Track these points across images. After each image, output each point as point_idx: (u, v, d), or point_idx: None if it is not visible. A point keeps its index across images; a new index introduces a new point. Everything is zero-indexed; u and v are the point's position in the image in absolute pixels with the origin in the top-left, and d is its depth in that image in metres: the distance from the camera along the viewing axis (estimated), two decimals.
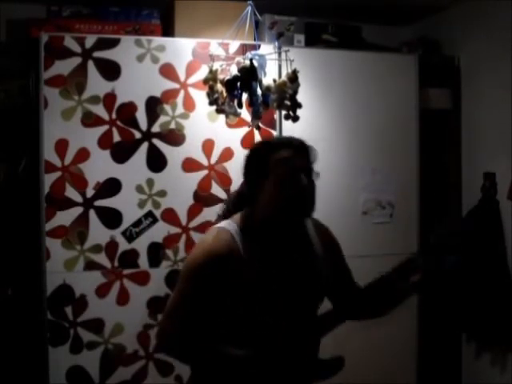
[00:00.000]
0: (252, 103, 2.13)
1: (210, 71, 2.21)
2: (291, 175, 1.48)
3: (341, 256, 1.71)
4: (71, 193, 2.49)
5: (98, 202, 2.52)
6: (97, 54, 2.50)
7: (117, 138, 2.53)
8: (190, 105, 2.61)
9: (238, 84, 2.12)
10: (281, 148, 1.52)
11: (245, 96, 2.16)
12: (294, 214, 1.50)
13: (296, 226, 1.56)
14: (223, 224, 1.55)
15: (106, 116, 2.52)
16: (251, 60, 2.08)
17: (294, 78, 2.12)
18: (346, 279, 1.70)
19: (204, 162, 2.64)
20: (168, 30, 2.74)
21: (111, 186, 2.53)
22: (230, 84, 2.13)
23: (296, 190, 1.47)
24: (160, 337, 1.55)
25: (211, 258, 1.47)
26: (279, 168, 1.49)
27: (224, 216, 1.64)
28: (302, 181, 1.47)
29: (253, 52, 2.20)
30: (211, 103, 2.22)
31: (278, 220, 1.51)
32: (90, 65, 2.50)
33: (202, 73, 2.43)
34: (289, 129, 2.65)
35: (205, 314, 1.50)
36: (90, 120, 2.50)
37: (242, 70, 2.10)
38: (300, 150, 1.53)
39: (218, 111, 2.23)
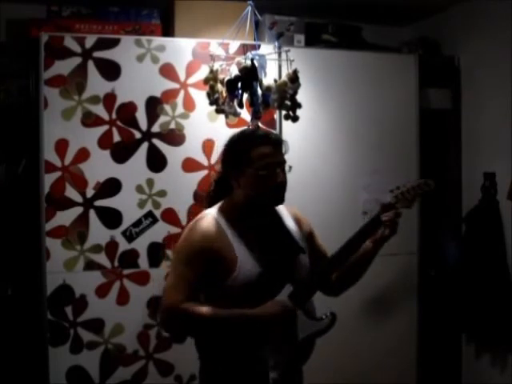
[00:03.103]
0: (252, 103, 2.13)
1: (211, 71, 2.21)
2: (269, 170, 1.65)
3: (315, 236, 1.89)
4: (71, 193, 2.49)
5: (98, 202, 2.52)
6: (97, 54, 2.50)
7: (117, 138, 2.53)
8: (190, 105, 2.61)
9: (239, 84, 2.12)
10: (261, 143, 1.67)
11: (245, 96, 2.16)
12: (268, 204, 1.71)
13: (270, 212, 1.75)
14: (209, 211, 1.73)
15: (106, 116, 2.52)
16: (252, 60, 2.08)
17: (294, 78, 2.12)
18: (321, 253, 1.85)
19: (204, 162, 2.64)
20: (168, 30, 2.74)
21: (111, 186, 2.53)
22: (230, 84, 2.13)
23: (272, 184, 1.65)
24: (166, 309, 1.63)
25: (207, 241, 1.63)
26: (259, 162, 1.64)
27: (208, 204, 1.79)
28: (278, 175, 1.66)
29: (253, 52, 2.20)
30: (212, 103, 2.22)
31: (254, 207, 1.69)
32: (90, 65, 2.50)
33: (202, 73, 2.44)
34: (289, 129, 2.66)
35: (199, 288, 1.66)
36: (90, 120, 2.50)
37: (242, 70, 2.10)
38: (277, 146, 1.69)
39: (218, 111, 2.24)
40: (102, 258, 2.53)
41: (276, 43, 2.32)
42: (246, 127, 1.91)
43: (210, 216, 1.70)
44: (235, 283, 1.63)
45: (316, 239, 1.88)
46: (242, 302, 1.61)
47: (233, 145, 1.73)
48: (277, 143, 1.70)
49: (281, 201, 1.72)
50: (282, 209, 1.80)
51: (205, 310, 1.60)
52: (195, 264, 1.63)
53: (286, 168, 1.71)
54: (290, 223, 1.80)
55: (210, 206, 1.77)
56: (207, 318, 1.60)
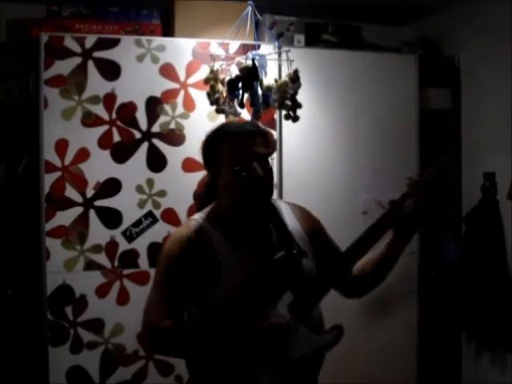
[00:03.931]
0: (253, 103, 2.13)
1: (211, 71, 2.21)
2: (245, 164, 1.47)
3: (325, 234, 1.70)
4: (71, 193, 2.49)
5: (98, 202, 2.52)
6: (97, 54, 2.50)
7: (117, 138, 2.53)
8: (190, 105, 2.61)
9: (240, 84, 2.12)
10: (234, 135, 1.52)
11: (245, 96, 2.16)
12: (250, 204, 1.51)
13: (256, 213, 1.55)
14: (195, 216, 1.61)
15: (106, 116, 2.52)
16: (253, 60, 2.08)
17: (295, 78, 2.12)
18: (333, 253, 1.66)
19: None
20: (168, 30, 2.74)
21: (111, 186, 2.53)
22: (231, 84, 2.13)
23: (250, 180, 1.47)
24: (147, 331, 1.51)
25: (182, 244, 1.51)
26: (232, 157, 1.48)
27: (198, 209, 1.68)
28: (255, 169, 1.47)
29: (253, 52, 2.20)
30: (212, 103, 2.22)
31: (236, 209, 1.54)
32: (90, 65, 2.50)
33: (202, 73, 2.44)
34: (289, 129, 2.67)
35: (183, 302, 1.53)
36: (90, 120, 2.50)
37: (243, 69, 2.11)
38: (254, 137, 1.51)
39: (218, 111, 2.24)
40: (102, 258, 2.53)
41: (276, 43, 2.33)
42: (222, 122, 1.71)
43: (192, 221, 1.57)
44: (222, 292, 1.47)
45: (326, 238, 1.69)
46: (234, 313, 1.46)
47: (206, 142, 1.58)
48: (254, 134, 1.51)
49: (264, 200, 1.54)
50: (282, 207, 1.65)
51: (185, 328, 1.49)
52: (174, 274, 1.51)
53: (270, 161, 1.53)
54: (290, 222, 1.62)
55: (200, 210, 1.65)
56: (187, 337, 1.47)
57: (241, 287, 1.47)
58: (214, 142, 1.55)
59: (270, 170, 1.53)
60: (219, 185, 1.54)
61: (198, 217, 1.59)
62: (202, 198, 1.73)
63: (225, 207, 1.57)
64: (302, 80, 2.16)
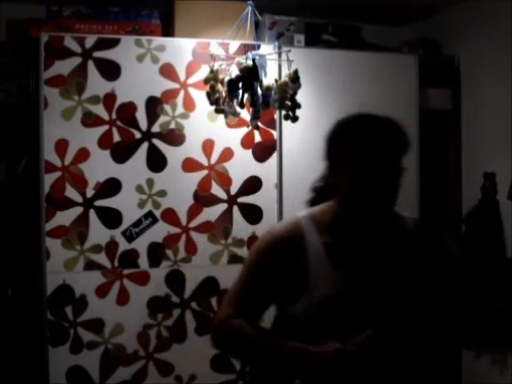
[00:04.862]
0: (253, 103, 2.13)
1: (211, 71, 2.21)
2: (376, 158, 1.29)
3: (447, 270, 1.41)
4: (71, 193, 2.49)
5: (98, 202, 2.52)
6: (97, 54, 2.50)
7: (117, 138, 2.53)
8: (190, 105, 2.61)
9: (240, 84, 2.12)
10: (373, 125, 1.34)
11: (245, 96, 2.16)
12: (364, 204, 1.31)
13: (379, 221, 1.35)
14: (298, 213, 1.42)
15: (106, 116, 2.52)
16: (254, 60, 2.08)
17: (295, 78, 2.12)
18: (449, 301, 1.41)
19: (204, 162, 2.64)
20: (168, 30, 2.74)
21: (111, 186, 2.53)
22: (231, 84, 2.13)
23: (376, 176, 1.29)
24: (213, 325, 1.41)
25: (274, 241, 1.36)
26: (364, 149, 1.30)
27: (311, 204, 1.49)
28: (384, 170, 1.29)
29: (253, 52, 2.20)
30: (212, 103, 2.22)
31: (350, 210, 1.33)
32: (90, 65, 2.50)
33: (202, 73, 2.44)
34: (289, 129, 2.67)
35: (262, 303, 1.38)
36: (90, 120, 2.50)
37: (244, 69, 2.10)
38: (394, 132, 1.36)
39: (218, 111, 2.23)
40: (102, 258, 2.53)
41: (276, 43, 2.33)
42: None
43: (292, 218, 1.40)
44: (306, 305, 1.29)
45: (452, 277, 1.43)
46: (314, 332, 1.27)
47: (338, 128, 1.42)
48: (395, 129, 1.36)
49: (381, 206, 1.32)
50: (409, 223, 1.43)
51: (248, 331, 1.31)
52: (257, 271, 1.36)
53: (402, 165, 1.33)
54: (414, 242, 1.37)
55: (311, 205, 1.48)
56: (247, 341, 1.31)
57: (323, 308, 1.28)
58: (348, 129, 1.38)
59: (401, 175, 1.35)
60: (339, 181, 1.35)
61: (303, 214, 1.41)
62: (315, 193, 1.52)
63: (336, 206, 1.37)
64: (302, 80, 2.16)
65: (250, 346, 1.32)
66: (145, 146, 2.57)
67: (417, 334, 1.31)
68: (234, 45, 2.43)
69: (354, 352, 1.19)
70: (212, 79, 2.20)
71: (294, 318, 1.32)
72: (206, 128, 2.63)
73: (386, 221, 1.38)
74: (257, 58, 2.11)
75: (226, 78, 2.18)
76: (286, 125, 2.52)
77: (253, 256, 1.41)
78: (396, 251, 1.35)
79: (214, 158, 2.64)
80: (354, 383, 1.23)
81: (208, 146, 2.63)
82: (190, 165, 2.62)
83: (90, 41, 2.50)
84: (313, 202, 1.49)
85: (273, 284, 1.35)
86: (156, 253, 2.58)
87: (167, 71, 2.58)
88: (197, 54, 2.60)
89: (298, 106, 2.16)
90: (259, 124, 2.37)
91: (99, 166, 2.52)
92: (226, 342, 1.38)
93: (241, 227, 2.67)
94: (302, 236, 1.34)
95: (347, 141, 1.35)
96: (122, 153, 2.54)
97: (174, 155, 2.60)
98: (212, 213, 2.64)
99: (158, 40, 2.60)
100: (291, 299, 1.32)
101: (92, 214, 2.51)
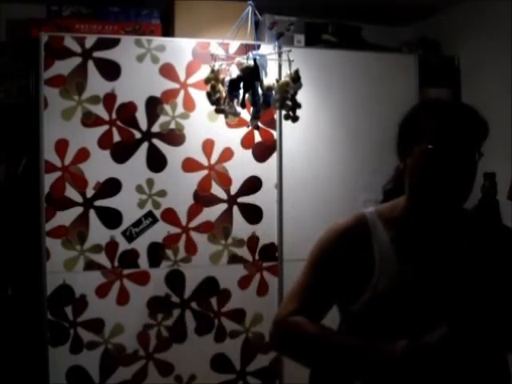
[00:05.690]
0: (254, 103, 2.13)
1: (212, 71, 2.21)
2: (443, 149, 1.19)
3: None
4: (71, 193, 2.49)
5: (98, 202, 2.52)
6: (97, 54, 2.50)
7: (117, 138, 2.53)
8: (190, 105, 2.61)
9: (241, 84, 2.12)
10: (443, 113, 1.25)
11: (246, 96, 2.16)
12: (435, 198, 1.24)
13: (439, 213, 1.27)
14: (364, 209, 1.36)
15: (106, 116, 2.52)
16: (255, 60, 2.08)
17: (296, 78, 2.12)
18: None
19: (204, 162, 2.64)
20: (168, 30, 2.74)
21: (111, 186, 2.53)
22: (232, 84, 2.13)
23: (441, 164, 1.19)
24: (273, 325, 1.30)
25: (339, 236, 1.30)
26: (428, 134, 1.21)
27: (383, 201, 1.44)
28: (453, 161, 1.19)
29: (254, 52, 2.20)
30: (213, 103, 2.22)
31: (417, 205, 1.28)
32: (90, 65, 2.50)
33: (202, 73, 2.44)
34: (289, 129, 2.67)
35: (326, 301, 1.30)
36: (90, 120, 2.50)
37: (245, 69, 2.10)
38: (468, 122, 1.25)
39: (218, 111, 2.23)
40: (102, 258, 2.53)
41: (276, 43, 2.33)
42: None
43: (359, 212, 1.34)
44: (370, 300, 1.23)
45: None
46: (378, 331, 1.20)
47: (407, 116, 1.34)
48: (469, 118, 1.25)
49: (453, 201, 1.25)
50: (476, 219, 1.37)
51: (311, 328, 1.23)
52: (322, 266, 1.30)
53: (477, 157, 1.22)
54: (482, 238, 1.31)
55: (383, 202, 1.43)
56: (309, 338, 1.22)
57: (388, 304, 1.21)
58: (418, 116, 1.31)
59: (473, 165, 1.23)
60: (405, 170, 1.29)
61: (370, 210, 1.35)
62: (385, 190, 1.48)
63: (405, 200, 1.31)
64: (302, 80, 2.16)
65: (313, 343, 1.23)
66: (145, 146, 2.57)
67: (486, 333, 1.23)
68: (234, 45, 2.44)
69: (426, 351, 1.09)
70: (213, 79, 2.20)
71: (358, 315, 1.26)
72: (206, 128, 2.63)
73: (455, 216, 1.31)
74: (258, 58, 2.11)
75: (227, 78, 2.19)
76: (286, 125, 2.53)
77: (317, 250, 1.33)
78: (464, 247, 1.28)
79: (214, 158, 2.64)
80: None
81: (208, 146, 2.63)
82: (189, 165, 2.62)
83: (90, 41, 2.50)
84: (384, 199, 1.45)
85: (338, 279, 1.28)
86: (156, 253, 2.58)
87: (167, 71, 2.58)
88: (197, 53, 2.60)
89: (299, 105, 2.16)
90: (259, 124, 2.37)
91: (99, 166, 2.52)
92: (287, 340, 1.28)
93: (241, 227, 2.67)
94: (368, 230, 1.29)
95: (421, 129, 1.25)
96: (121, 153, 2.54)
97: (174, 155, 2.60)
98: (212, 213, 2.64)
99: (158, 40, 2.60)
100: (355, 296, 1.25)
101: (92, 214, 2.51)
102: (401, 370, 1.11)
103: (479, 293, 1.24)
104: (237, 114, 2.24)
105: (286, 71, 2.20)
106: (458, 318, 1.20)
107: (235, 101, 2.18)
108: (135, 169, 2.56)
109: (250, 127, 2.42)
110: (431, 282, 1.22)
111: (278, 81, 2.16)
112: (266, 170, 2.71)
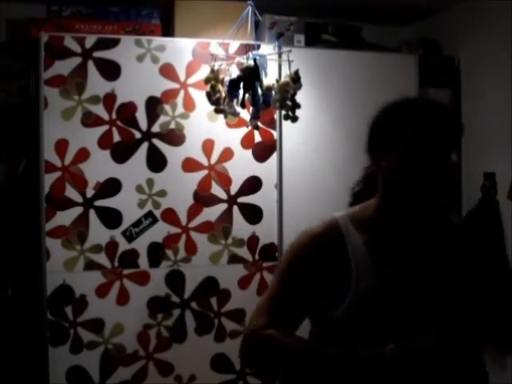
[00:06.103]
0: (253, 103, 2.13)
1: (212, 71, 2.21)
2: (423, 152, 1.17)
3: (488, 270, 1.37)
4: (71, 193, 2.49)
5: (98, 202, 2.52)
6: (97, 54, 2.50)
7: (117, 138, 2.53)
8: (190, 105, 2.61)
9: (241, 84, 2.12)
10: (417, 112, 1.25)
11: (246, 96, 2.16)
12: (410, 201, 1.22)
13: (416, 217, 1.25)
14: (337, 212, 1.33)
15: (106, 116, 2.52)
16: (255, 60, 2.08)
17: (296, 78, 2.13)
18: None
19: (204, 162, 2.64)
20: (168, 30, 2.74)
21: (111, 186, 2.53)
22: (232, 84, 2.13)
23: (421, 168, 1.18)
24: (243, 338, 1.29)
25: (310, 242, 1.26)
26: (406, 136, 1.19)
27: (351, 204, 1.42)
28: (433, 162, 1.17)
29: (254, 52, 2.20)
30: (213, 103, 2.22)
31: (390, 207, 1.25)
32: (90, 65, 2.50)
33: (202, 73, 2.44)
34: (289, 129, 2.67)
35: (298, 311, 1.26)
36: (90, 120, 2.50)
37: (245, 69, 2.10)
38: (444, 120, 1.24)
39: (217, 111, 2.23)
40: (102, 258, 2.53)
41: (276, 43, 2.32)
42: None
43: (328, 218, 1.30)
44: (349, 305, 1.19)
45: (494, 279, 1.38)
46: (357, 337, 1.17)
47: (379, 116, 1.33)
48: (444, 118, 1.23)
49: (432, 200, 1.22)
50: (453, 222, 1.34)
51: (286, 340, 1.20)
52: (293, 274, 1.25)
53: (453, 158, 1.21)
54: (458, 240, 1.30)
55: (351, 205, 1.41)
56: (286, 351, 1.19)
57: (367, 307, 1.18)
58: (390, 116, 1.31)
59: (452, 165, 1.23)
60: (378, 171, 1.27)
61: (340, 214, 1.31)
62: (354, 192, 1.46)
63: (378, 204, 1.28)
64: (302, 80, 2.16)
65: (290, 357, 1.20)
66: (145, 146, 2.57)
67: (468, 334, 1.23)
68: (234, 45, 2.43)
69: (415, 355, 1.08)
70: (213, 79, 2.20)
71: (335, 323, 1.21)
72: (206, 128, 2.63)
73: (430, 217, 1.28)
74: (258, 58, 2.12)
75: (227, 78, 2.19)
76: (286, 125, 2.52)
77: (288, 259, 1.29)
78: (439, 248, 1.26)
79: (214, 158, 2.64)
80: None
81: (208, 146, 2.63)
82: (190, 165, 2.62)
83: (90, 41, 2.50)
84: (352, 202, 1.43)
85: (311, 288, 1.23)
86: (156, 253, 2.58)
87: (167, 71, 2.58)
88: (197, 53, 2.60)
89: (298, 106, 2.16)
90: (259, 124, 2.37)
91: (99, 166, 2.52)
92: (257, 354, 1.24)
93: (241, 227, 2.67)
94: (341, 235, 1.25)
95: (392, 129, 1.25)
96: (122, 153, 2.54)
97: (174, 155, 2.60)
98: (212, 213, 2.64)
99: (158, 40, 2.60)
100: (336, 302, 1.21)
101: (92, 213, 2.51)
102: (390, 375, 1.09)
103: (456, 291, 1.23)
104: (236, 114, 2.24)
105: (285, 71, 2.21)
106: (443, 319, 1.18)
107: (235, 101, 2.18)
108: (135, 169, 2.56)
109: (250, 127, 2.42)
110: (408, 282, 1.21)
111: (277, 81, 2.16)
112: (266, 170, 2.71)
